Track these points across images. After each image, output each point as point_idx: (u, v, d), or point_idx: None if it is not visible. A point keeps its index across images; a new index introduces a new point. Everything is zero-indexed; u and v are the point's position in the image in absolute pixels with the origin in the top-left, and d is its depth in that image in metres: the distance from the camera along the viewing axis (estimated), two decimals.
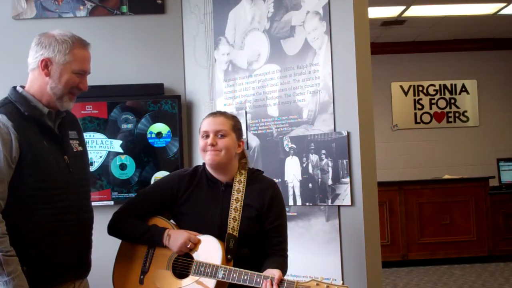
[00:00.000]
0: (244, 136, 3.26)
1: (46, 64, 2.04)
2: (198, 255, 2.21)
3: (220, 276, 2.11)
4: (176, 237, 2.24)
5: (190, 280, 2.18)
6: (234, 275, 2.09)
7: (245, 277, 2.07)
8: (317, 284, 1.96)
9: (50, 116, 2.09)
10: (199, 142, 2.34)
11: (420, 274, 5.95)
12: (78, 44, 2.09)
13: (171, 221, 2.38)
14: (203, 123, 2.35)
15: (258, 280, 2.05)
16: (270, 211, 2.29)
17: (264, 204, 2.29)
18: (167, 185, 2.37)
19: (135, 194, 2.47)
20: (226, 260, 2.16)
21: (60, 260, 2.04)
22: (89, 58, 2.13)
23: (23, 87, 2.10)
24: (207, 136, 2.30)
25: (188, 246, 2.21)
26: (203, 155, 2.33)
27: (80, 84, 2.09)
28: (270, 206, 2.30)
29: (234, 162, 2.35)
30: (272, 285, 2.02)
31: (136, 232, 2.32)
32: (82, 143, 2.25)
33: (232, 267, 2.13)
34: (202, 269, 2.16)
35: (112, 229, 2.36)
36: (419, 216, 6.36)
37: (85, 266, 2.20)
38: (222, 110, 2.57)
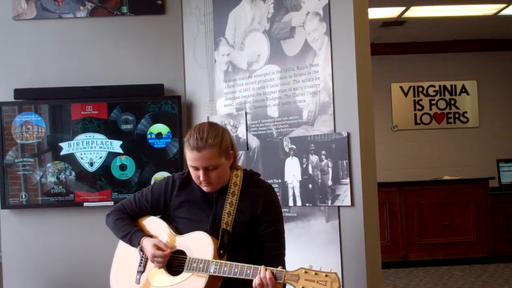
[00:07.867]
0: (243, 137, 3.27)
1: None
2: (191, 252, 2.22)
3: (212, 270, 2.13)
4: (146, 249, 2.28)
5: (183, 276, 2.21)
6: (225, 269, 2.11)
7: (236, 270, 2.09)
8: (306, 272, 1.98)
9: None
10: (190, 169, 2.26)
11: (420, 275, 5.94)
12: None
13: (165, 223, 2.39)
14: (188, 155, 2.22)
15: (248, 272, 2.07)
16: (263, 217, 2.27)
17: (257, 210, 2.26)
18: (160, 189, 2.39)
19: (137, 191, 2.50)
20: (218, 255, 2.18)
21: None
22: None
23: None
24: (197, 169, 2.22)
25: (156, 263, 2.25)
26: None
27: None
28: (264, 212, 2.27)
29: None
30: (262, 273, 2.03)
31: (120, 232, 2.39)
32: None
33: (223, 261, 2.14)
34: (194, 265, 2.18)
35: (107, 220, 2.45)
36: (419, 217, 6.35)
37: None
38: (202, 131, 2.21)
